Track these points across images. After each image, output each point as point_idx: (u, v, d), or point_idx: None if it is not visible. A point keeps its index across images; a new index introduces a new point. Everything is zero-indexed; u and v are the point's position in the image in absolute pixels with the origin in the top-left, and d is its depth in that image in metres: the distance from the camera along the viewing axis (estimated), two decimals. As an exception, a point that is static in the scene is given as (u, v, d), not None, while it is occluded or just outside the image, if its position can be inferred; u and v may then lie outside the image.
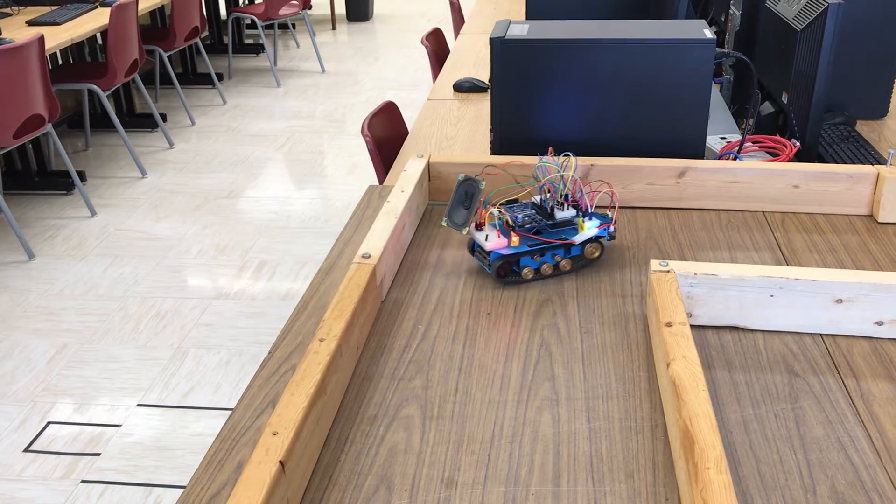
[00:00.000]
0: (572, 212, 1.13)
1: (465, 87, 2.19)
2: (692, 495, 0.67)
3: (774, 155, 1.47)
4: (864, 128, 1.85)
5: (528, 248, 1.10)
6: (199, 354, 2.35)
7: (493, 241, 1.09)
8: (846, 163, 1.60)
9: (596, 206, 1.32)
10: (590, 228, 1.12)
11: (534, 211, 1.15)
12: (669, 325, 0.87)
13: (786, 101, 1.55)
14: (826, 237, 1.21)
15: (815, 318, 0.97)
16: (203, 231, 3.12)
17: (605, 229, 1.13)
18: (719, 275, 0.97)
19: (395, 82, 5.09)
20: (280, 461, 0.69)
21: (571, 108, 1.37)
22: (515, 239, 1.09)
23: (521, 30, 1.39)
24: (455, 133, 1.88)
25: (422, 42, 2.60)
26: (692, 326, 1.00)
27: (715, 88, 2.01)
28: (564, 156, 1.18)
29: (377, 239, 1.07)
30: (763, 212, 1.30)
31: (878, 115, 1.91)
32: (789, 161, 1.41)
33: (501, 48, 1.34)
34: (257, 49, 5.69)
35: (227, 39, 5.67)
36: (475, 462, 0.79)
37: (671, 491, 0.74)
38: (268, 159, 3.84)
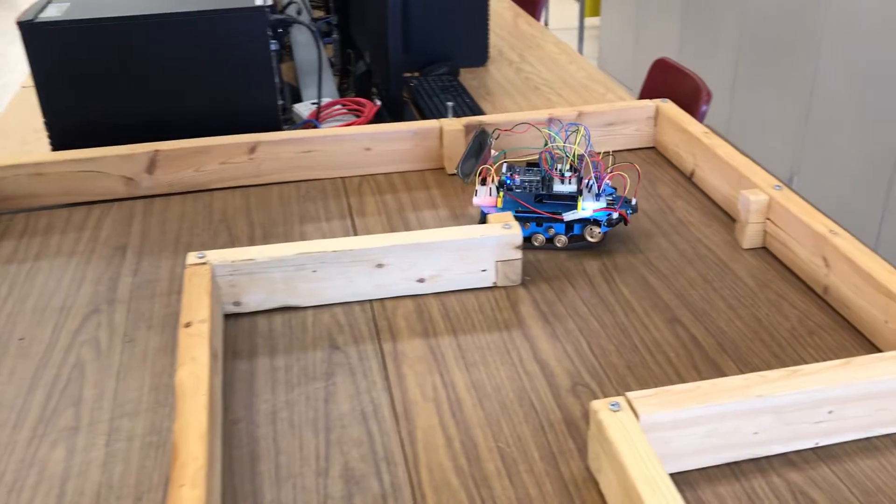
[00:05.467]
0: (573, 187, 1.05)
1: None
2: (172, 517, 0.63)
3: (360, 116, 1.47)
4: (468, 76, 1.94)
5: (515, 214, 1.04)
6: None
7: (481, 197, 1.06)
8: (443, 115, 1.66)
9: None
10: (585, 209, 1.04)
11: (539, 179, 1.06)
12: (188, 325, 0.82)
13: (369, 61, 1.56)
14: (398, 196, 1.24)
15: (361, 286, 0.98)
16: None
17: (605, 213, 1.04)
18: (257, 259, 0.94)
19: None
20: None
21: (132, 91, 1.27)
22: (499, 200, 1.04)
23: (59, 9, 1.25)
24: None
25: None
26: (243, 315, 0.96)
27: (325, 51, 1.99)
28: (574, 126, 1.09)
29: None
30: (342, 177, 1.30)
31: (479, 63, 2.01)
32: (370, 122, 1.42)
33: (33, 33, 1.20)
34: None
35: None
36: (-42, 526, 0.69)
37: (176, 509, 0.70)
38: None
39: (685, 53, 3.52)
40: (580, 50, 4.77)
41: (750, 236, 1.07)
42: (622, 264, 1.05)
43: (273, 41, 1.31)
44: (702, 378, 0.85)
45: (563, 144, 1.06)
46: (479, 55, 2.00)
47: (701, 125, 1.27)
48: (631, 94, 1.75)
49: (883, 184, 2.42)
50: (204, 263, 0.92)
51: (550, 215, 1.05)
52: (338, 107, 1.50)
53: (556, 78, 1.88)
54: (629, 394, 0.71)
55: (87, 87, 1.25)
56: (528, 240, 1.08)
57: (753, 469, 0.73)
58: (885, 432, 0.76)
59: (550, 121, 1.31)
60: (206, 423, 0.69)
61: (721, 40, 3.23)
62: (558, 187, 1.06)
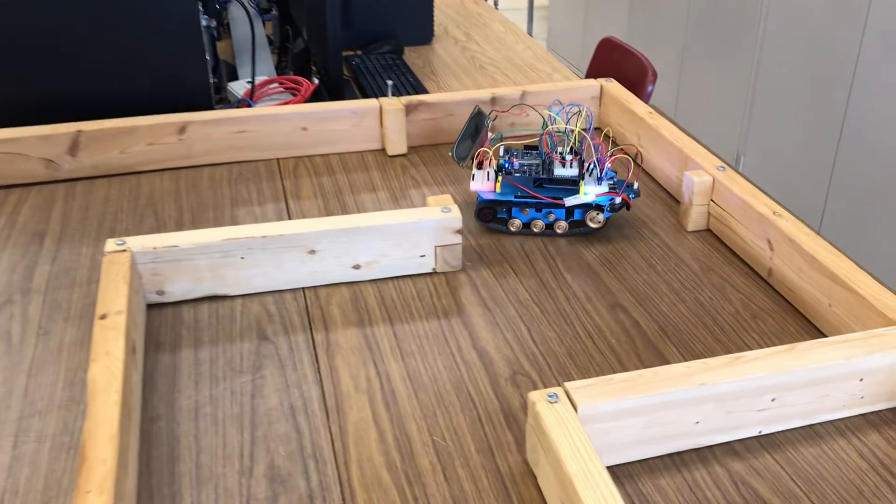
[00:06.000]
0: (575, 171, 0.99)
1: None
2: (77, 526, 0.58)
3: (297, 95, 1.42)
4: (412, 54, 1.89)
5: (514, 199, 1.00)
6: None
7: (478, 182, 1.00)
8: (385, 94, 1.61)
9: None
10: (588, 193, 0.99)
11: (538, 162, 1.01)
12: (103, 317, 0.77)
13: (307, 37, 1.50)
14: (335, 178, 1.19)
15: (293, 273, 0.93)
16: None
17: (608, 198, 1.00)
18: (181, 245, 0.88)
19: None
20: None
21: (52, 68, 1.20)
22: (498, 185, 0.99)
23: (-30, -20, 1.17)
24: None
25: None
26: (166, 305, 0.91)
27: (262, 29, 1.93)
28: (576, 107, 1.02)
29: None
30: (277, 159, 1.25)
31: (424, 41, 1.96)
32: (307, 101, 1.37)
33: (-60, 4, 1.12)
34: None
35: None
36: None
37: (86, 515, 0.65)
38: None
39: (634, 35, 3.51)
40: (529, 31, 4.74)
41: (694, 218, 1.05)
42: (565, 248, 1.02)
43: (205, 16, 1.25)
44: (644, 365, 0.82)
45: (564, 126, 1.02)
46: (424, 33, 1.96)
47: (645, 105, 1.25)
48: (579, 75, 1.73)
49: (827, 165, 2.44)
50: (124, 251, 0.87)
51: (551, 200, 1.00)
52: (274, 85, 1.44)
53: (502, 57, 1.85)
54: (567, 384, 0.68)
55: (2, 63, 1.18)
56: (527, 226, 1.03)
57: (696, 459, 0.71)
58: (828, 419, 0.75)
59: (494, 99, 1.28)
60: (118, 422, 0.64)
61: (669, 22, 3.22)
62: (559, 171, 1.00)
